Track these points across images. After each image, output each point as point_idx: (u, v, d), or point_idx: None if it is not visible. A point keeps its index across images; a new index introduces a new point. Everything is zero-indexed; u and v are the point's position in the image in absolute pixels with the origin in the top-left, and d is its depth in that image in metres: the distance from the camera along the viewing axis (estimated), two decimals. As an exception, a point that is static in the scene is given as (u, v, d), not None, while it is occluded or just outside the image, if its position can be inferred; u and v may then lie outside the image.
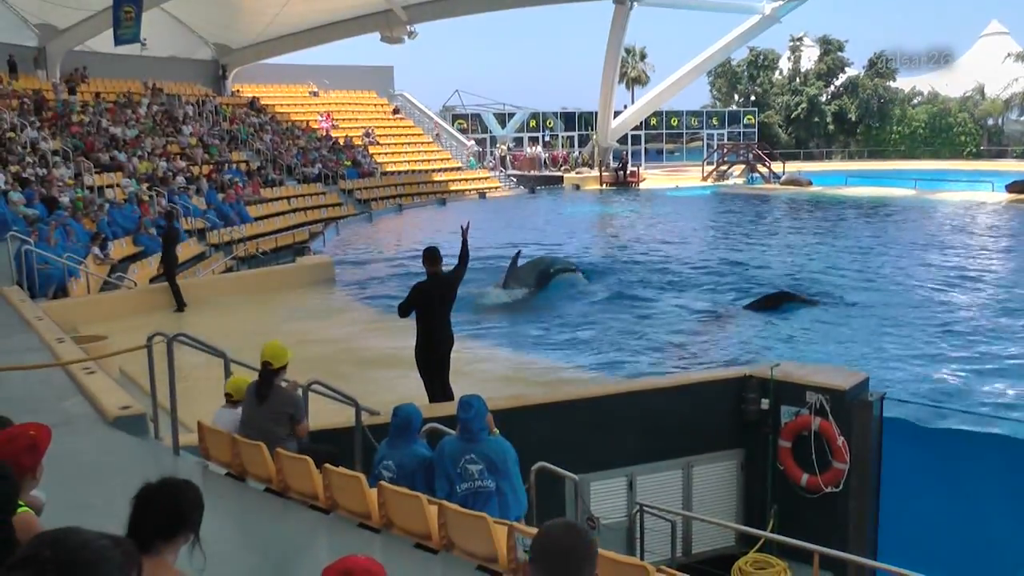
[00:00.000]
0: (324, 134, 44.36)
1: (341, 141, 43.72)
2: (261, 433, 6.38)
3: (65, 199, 21.15)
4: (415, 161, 46.84)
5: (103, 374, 8.63)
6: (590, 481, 8.93)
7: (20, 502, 3.13)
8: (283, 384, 6.92)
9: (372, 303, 18.31)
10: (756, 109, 67.50)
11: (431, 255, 9.52)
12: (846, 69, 69.43)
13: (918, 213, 36.86)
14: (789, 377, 9.51)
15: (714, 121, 65.87)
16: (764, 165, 52.10)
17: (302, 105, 48.02)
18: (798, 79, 69.55)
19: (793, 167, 53.70)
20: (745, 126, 65.58)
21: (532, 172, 53.34)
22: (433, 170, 46.53)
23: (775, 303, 17.53)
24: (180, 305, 16.68)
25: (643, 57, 71.46)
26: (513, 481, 5.92)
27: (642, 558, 8.09)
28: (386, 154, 45.78)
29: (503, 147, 57.07)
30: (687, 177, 53.37)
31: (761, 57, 69.79)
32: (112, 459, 6.67)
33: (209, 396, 8.10)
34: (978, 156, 63.78)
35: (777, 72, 71.20)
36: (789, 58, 71.12)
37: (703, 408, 9.80)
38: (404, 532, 5.22)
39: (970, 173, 48.82)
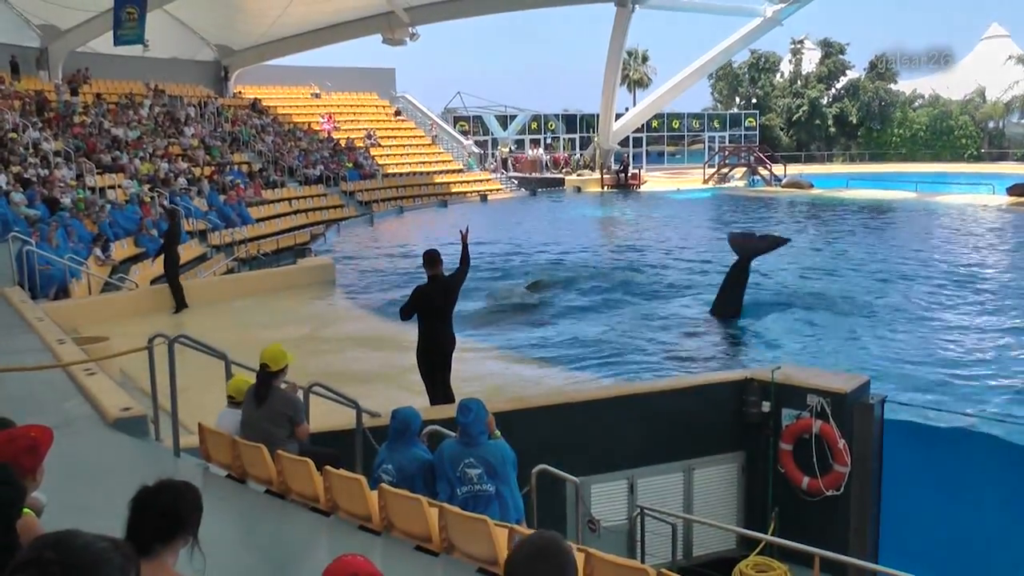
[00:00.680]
0: (326, 136, 44.38)
1: (343, 143, 43.73)
2: (261, 435, 6.38)
3: (67, 200, 21.14)
4: (416, 163, 46.85)
5: (104, 375, 8.63)
6: (591, 484, 8.94)
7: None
8: (283, 386, 6.92)
9: (373, 305, 18.32)
10: (757, 112, 67.51)
11: (432, 258, 9.53)
12: (847, 72, 69.49)
13: (919, 216, 36.87)
14: (790, 380, 9.51)
15: (715, 124, 65.90)
16: (765, 168, 52.11)
17: (304, 107, 48.04)
18: (799, 82, 69.62)
19: (794, 170, 53.73)
20: (746, 128, 65.62)
21: (533, 174, 53.33)
22: (434, 172, 46.55)
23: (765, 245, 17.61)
24: (180, 305, 16.66)
25: (645, 60, 71.55)
26: (511, 485, 5.91)
27: (643, 561, 8.08)
28: (387, 156, 45.79)
29: (504, 149, 57.08)
30: (688, 180, 53.37)
31: (762, 60, 69.82)
32: (112, 461, 6.66)
33: (210, 398, 8.09)
34: (979, 159, 63.80)
35: (778, 75, 71.27)
36: (790, 61, 71.19)
37: (704, 411, 9.81)
38: (405, 535, 5.22)
39: (971, 176, 48.82)
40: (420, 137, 50.54)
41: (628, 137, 57.97)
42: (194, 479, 5.34)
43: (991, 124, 67.71)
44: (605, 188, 50.48)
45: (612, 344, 15.07)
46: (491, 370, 12.94)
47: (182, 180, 28.58)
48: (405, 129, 50.71)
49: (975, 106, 67.18)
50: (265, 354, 6.86)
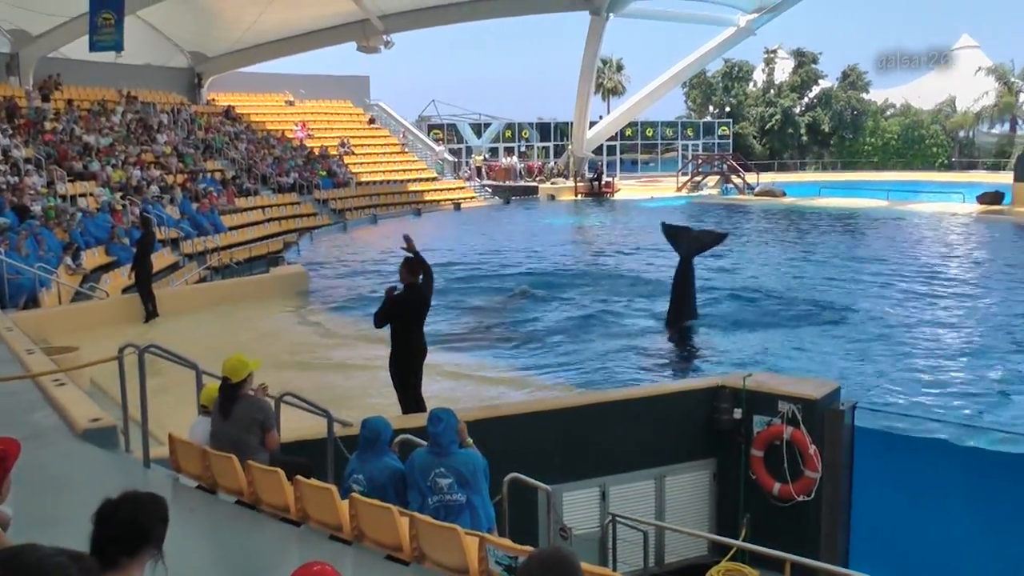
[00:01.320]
0: (299, 144, 44.23)
1: (316, 151, 43.61)
2: (232, 444, 6.32)
3: (37, 208, 20.94)
4: (390, 171, 46.78)
5: (73, 386, 8.55)
6: (563, 492, 8.94)
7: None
8: (250, 392, 6.82)
9: (345, 313, 18.28)
10: (731, 120, 68.01)
11: (412, 266, 9.50)
12: (820, 81, 70.23)
13: (890, 224, 37.21)
14: (761, 387, 9.58)
15: (689, 132, 66.26)
16: (738, 176, 52.44)
17: (278, 114, 47.86)
18: (772, 91, 70.25)
19: (767, 178, 54.19)
20: (720, 137, 66.01)
21: (507, 182, 53.41)
22: (408, 180, 46.52)
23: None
24: (151, 314, 16.54)
25: (619, 68, 71.97)
26: (482, 494, 5.90)
27: (615, 568, 8.12)
28: (361, 164, 45.70)
29: (479, 157, 57.12)
30: (662, 188, 53.68)
31: (736, 69, 70.39)
32: (81, 473, 6.60)
33: (181, 408, 8.03)
34: (950, 168, 64.61)
35: (751, 84, 71.90)
36: (763, 70, 71.86)
37: (676, 418, 9.85)
38: (376, 544, 5.21)
39: (942, 184, 49.40)
40: (394, 145, 50.48)
41: (602, 145, 58.27)
42: (164, 490, 5.31)
43: (961, 133, 68.63)
44: (579, 196, 50.67)
45: (583, 352, 15.09)
46: (462, 378, 12.94)
47: (154, 188, 28.36)
48: (379, 137, 50.63)
49: (946, 116, 68.05)
50: (226, 367, 6.66)
